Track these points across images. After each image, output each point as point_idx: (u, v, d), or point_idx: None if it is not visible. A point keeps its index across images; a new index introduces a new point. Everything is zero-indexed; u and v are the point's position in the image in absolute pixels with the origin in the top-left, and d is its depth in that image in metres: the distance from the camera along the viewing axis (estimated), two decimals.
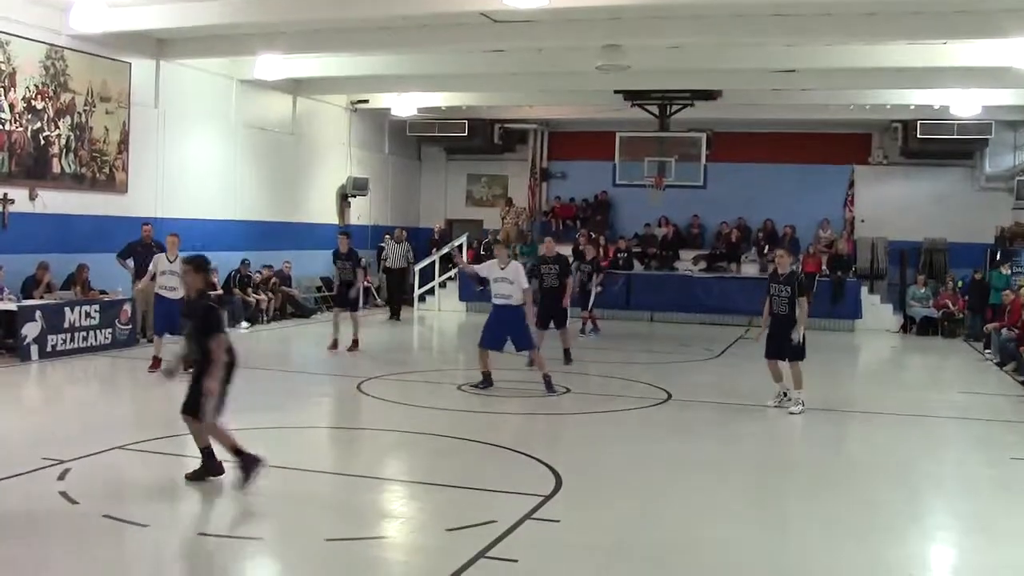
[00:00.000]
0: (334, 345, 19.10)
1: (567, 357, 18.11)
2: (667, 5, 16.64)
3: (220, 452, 9.29)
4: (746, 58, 21.00)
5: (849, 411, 14.99)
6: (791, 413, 13.66)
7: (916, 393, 16.98)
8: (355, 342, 19.13)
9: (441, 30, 19.10)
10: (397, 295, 26.80)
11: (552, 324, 18.20)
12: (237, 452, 9.23)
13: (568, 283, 18.58)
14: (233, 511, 8.92)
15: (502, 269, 15.04)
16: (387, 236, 28.65)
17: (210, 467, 9.37)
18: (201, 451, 9.37)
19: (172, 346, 16.07)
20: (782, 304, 13.77)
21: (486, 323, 15.24)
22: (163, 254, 16.40)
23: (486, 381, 15.09)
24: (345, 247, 19.72)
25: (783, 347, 13.78)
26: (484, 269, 15.67)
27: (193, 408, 9.15)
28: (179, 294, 16.02)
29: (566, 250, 21.82)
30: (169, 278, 15.89)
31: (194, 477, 9.37)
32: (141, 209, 20.58)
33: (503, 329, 14.97)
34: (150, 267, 16.27)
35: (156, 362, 15.62)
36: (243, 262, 23.50)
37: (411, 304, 27.67)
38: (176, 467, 9.94)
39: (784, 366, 13.94)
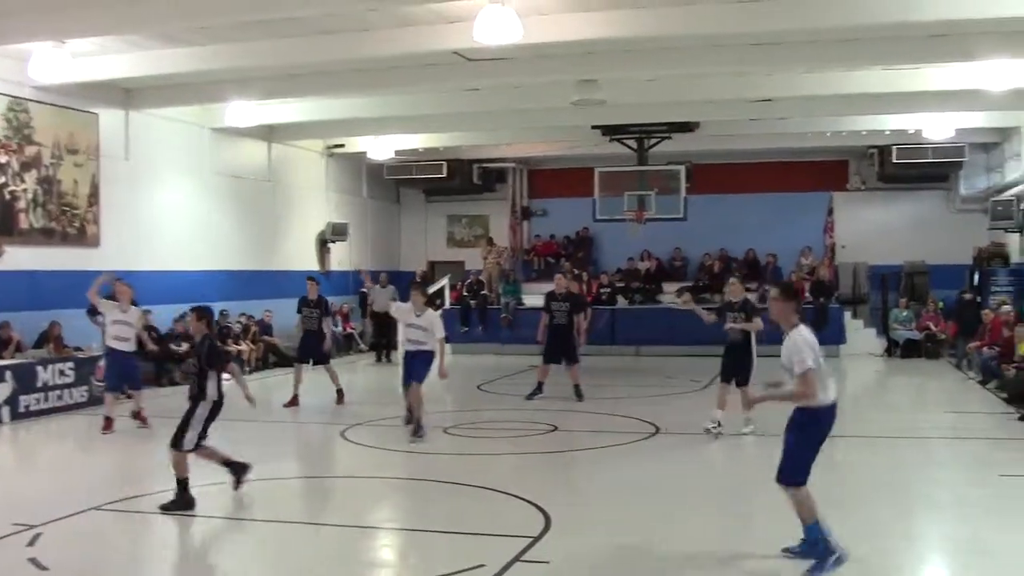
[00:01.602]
0: (293, 401, 17.72)
1: (578, 393, 18.06)
2: (641, 38, 16.52)
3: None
4: (722, 88, 20.96)
5: (838, 436, 14.72)
6: (743, 433, 13.89)
7: (903, 415, 16.94)
8: (340, 392, 18.23)
9: (415, 71, 19.01)
10: (384, 338, 26.52)
11: (563, 361, 18.26)
12: (227, 463, 10.64)
13: (579, 320, 18.49)
14: (214, 568, 8.64)
15: (417, 316, 14.54)
16: (368, 280, 28.39)
17: (183, 500, 10.04)
18: (178, 482, 10.10)
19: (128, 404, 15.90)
20: (736, 331, 14.18)
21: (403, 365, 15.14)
22: (115, 304, 15.51)
23: (412, 420, 14.62)
24: (314, 294, 18.57)
25: (736, 372, 14.14)
26: (397, 313, 15.29)
27: (176, 440, 10.17)
28: (132, 346, 15.48)
29: (549, 287, 21.54)
30: (122, 328, 15.35)
31: (168, 507, 9.96)
32: (114, 263, 20.07)
33: (411, 367, 14.67)
34: (101, 309, 15.51)
35: (109, 423, 15.04)
36: (221, 312, 23.18)
37: (395, 347, 27.44)
38: (153, 527, 9.68)
39: (736, 393, 14.02)
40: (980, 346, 20.76)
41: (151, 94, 20.81)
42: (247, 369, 23.36)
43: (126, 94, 20.77)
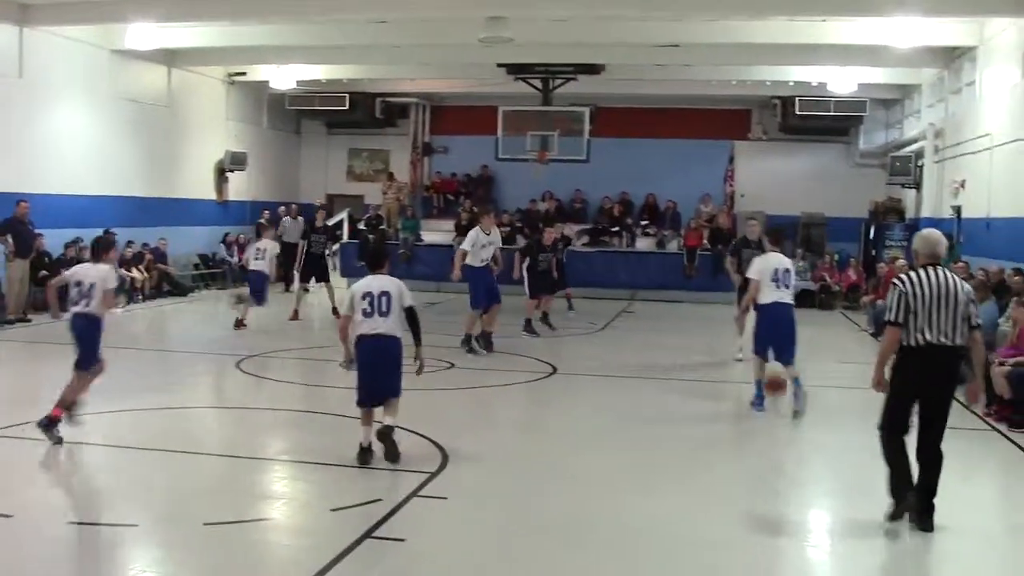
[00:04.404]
0: (295, 315, 20.34)
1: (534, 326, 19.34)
2: None
3: None
4: (630, 32, 21.02)
5: (735, 382, 15.08)
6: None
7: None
8: (335, 310, 19.16)
9: None
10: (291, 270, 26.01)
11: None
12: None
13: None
14: (105, 497, 8.51)
15: (487, 235, 16.24)
16: (265, 212, 27.82)
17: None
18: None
19: None
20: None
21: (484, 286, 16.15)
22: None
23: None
24: (321, 221, 21.79)
25: None
26: (471, 243, 16.11)
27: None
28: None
29: (448, 224, 21.47)
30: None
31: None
32: (5, 185, 19.59)
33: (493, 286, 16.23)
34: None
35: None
36: (106, 231, 22.40)
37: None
38: (43, 452, 9.49)
39: None
40: (874, 299, 21.16)
41: (48, 11, 19.96)
42: (139, 297, 22.98)
43: (21, 9, 19.90)
